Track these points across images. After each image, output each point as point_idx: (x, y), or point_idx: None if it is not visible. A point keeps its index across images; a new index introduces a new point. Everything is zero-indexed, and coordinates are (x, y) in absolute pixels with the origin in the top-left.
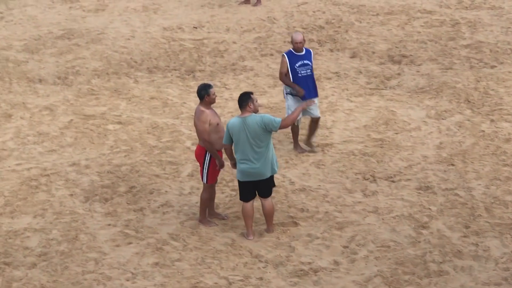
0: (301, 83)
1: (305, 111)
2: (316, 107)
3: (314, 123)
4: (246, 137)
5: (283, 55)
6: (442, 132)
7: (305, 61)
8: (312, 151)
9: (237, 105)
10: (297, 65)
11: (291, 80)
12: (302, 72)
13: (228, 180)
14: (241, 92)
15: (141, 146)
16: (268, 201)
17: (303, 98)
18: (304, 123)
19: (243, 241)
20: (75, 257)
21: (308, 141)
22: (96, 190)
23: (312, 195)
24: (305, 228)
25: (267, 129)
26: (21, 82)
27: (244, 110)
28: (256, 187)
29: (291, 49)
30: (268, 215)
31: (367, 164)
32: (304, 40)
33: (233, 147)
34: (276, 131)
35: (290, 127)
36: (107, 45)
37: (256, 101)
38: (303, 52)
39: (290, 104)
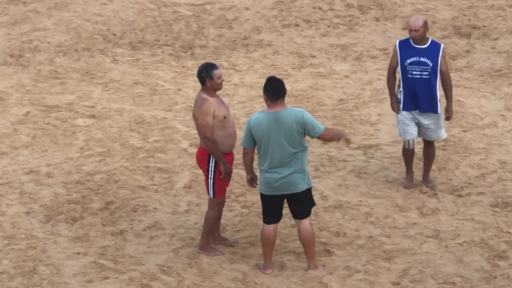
0: (409, 88)
1: (420, 131)
2: (438, 127)
3: (427, 149)
4: (278, 138)
5: (396, 43)
6: None
7: (423, 59)
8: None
9: (250, 93)
10: (408, 61)
11: (400, 81)
12: (414, 72)
13: (238, 194)
14: (262, 75)
15: (121, 148)
16: (307, 224)
17: (406, 109)
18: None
19: (258, 276)
20: None
21: (425, 178)
22: (61, 206)
23: (351, 213)
24: (342, 258)
25: (304, 131)
26: None
27: (279, 101)
28: (289, 204)
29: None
30: (309, 243)
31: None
32: (424, 28)
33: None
34: (312, 137)
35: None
36: (76, 11)
37: None
38: (426, 45)
39: (399, 117)
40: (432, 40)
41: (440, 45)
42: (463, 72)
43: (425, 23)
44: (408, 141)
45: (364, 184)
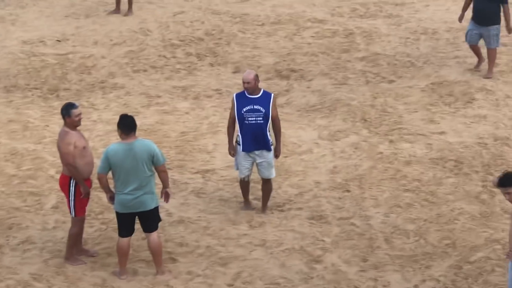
0: (247, 132)
1: (257, 169)
2: (270, 166)
3: (265, 185)
4: (133, 164)
5: (234, 96)
6: (336, 155)
7: (256, 106)
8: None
9: (107, 127)
10: (245, 109)
11: (239, 127)
12: (250, 118)
13: (97, 212)
14: (116, 113)
15: None
16: (155, 236)
17: (246, 150)
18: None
19: (115, 281)
20: None
21: (263, 208)
22: None
23: (192, 227)
24: (185, 264)
25: (153, 159)
26: None
27: (132, 134)
28: (140, 220)
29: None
30: (157, 252)
31: (253, 192)
32: (255, 80)
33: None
34: (155, 165)
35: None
36: None
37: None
38: (258, 95)
39: (237, 157)
40: (264, 91)
41: (271, 94)
42: (283, 107)
43: (256, 76)
44: (244, 176)
45: (203, 203)
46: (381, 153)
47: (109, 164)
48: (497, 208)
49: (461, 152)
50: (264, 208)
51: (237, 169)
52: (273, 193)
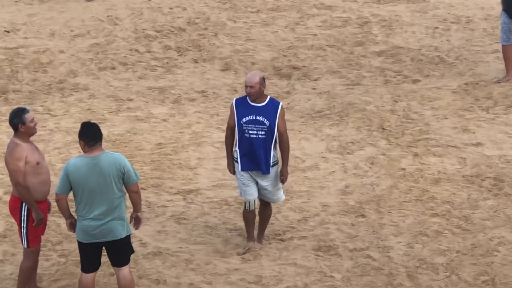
0: (245, 148)
1: (259, 192)
2: (275, 188)
3: (264, 209)
4: (98, 183)
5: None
6: (348, 172)
7: (259, 117)
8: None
9: (66, 138)
10: (244, 120)
11: (237, 140)
12: (251, 132)
13: (55, 243)
14: (78, 120)
15: None
16: (126, 272)
17: (243, 169)
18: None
19: None
20: None
21: (259, 236)
22: None
23: (171, 260)
24: None
25: (124, 177)
26: None
27: (97, 146)
28: (108, 252)
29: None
30: None
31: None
32: (261, 84)
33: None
34: (126, 184)
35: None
36: None
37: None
38: (263, 104)
39: (238, 177)
40: (270, 98)
41: (279, 103)
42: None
43: (262, 79)
44: (249, 201)
45: (184, 230)
46: (403, 169)
47: (69, 183)
48: None
49: (502, 168)
50: (260, 236)
51: (241, 194)
52: (271, 219)
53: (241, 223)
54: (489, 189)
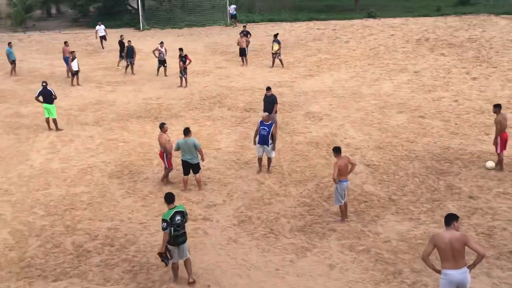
0: (260, 136)
1: (264, 151)
2: (269, 151)
3: (267, 158)
4: (188, 147)
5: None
6: None
7: (266, 127)
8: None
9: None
10: (261, 127)
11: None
12: (262, 132)
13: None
14: None
15: None
16: (198, 176)
17: (259, 144)
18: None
19: None
20: None
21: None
22: None
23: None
24: None
25: (195, 146)
26: None
27: (188, 135)
28: (191, 168)
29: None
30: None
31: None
32: (267, 117)
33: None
34: (197, 148)
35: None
36: None
37: None
38: (269, 123)
39: (257, 147)
40: (271, 122)
41: (272, 124)
42: None
43: (267, 116)
44: (260, 155)
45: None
46: None
47: (178, 146)
48: None
49: None
50: (268, 167)
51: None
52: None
53: (254, 175)
54: None
